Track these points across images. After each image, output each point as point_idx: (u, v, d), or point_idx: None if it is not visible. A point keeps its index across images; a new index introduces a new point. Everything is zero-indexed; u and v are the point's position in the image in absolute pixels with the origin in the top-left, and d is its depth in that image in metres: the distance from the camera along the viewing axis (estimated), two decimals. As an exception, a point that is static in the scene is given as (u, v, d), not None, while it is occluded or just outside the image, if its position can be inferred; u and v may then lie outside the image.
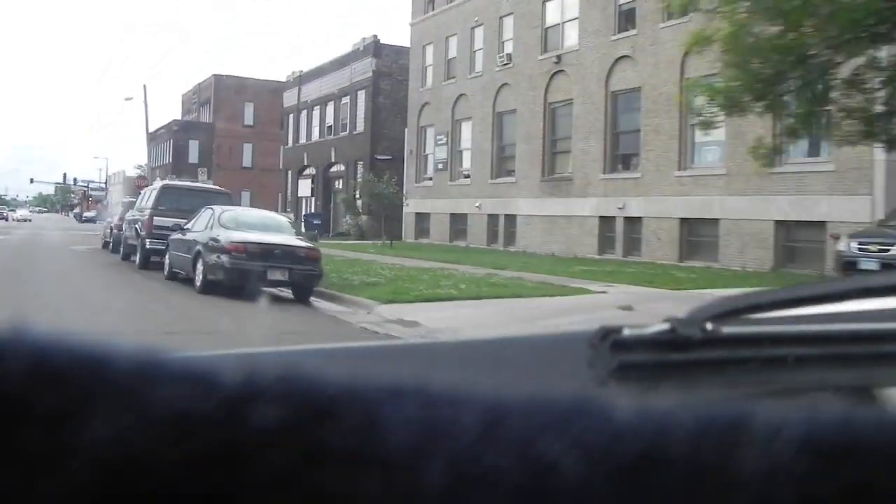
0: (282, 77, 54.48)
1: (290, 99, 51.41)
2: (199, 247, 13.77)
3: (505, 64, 30.20)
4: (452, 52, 33.91)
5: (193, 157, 70.71)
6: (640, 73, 24.19)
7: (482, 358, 1.11)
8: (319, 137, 46.39)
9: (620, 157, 25.50)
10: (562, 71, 27.50)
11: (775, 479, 0.29)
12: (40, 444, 0.28)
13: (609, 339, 0.91)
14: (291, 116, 51.39)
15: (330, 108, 45.28)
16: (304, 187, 48.63)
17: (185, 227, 15.24)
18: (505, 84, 30.30)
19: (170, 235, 16.12)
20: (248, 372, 0.30)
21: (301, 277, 13.14)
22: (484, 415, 0.30)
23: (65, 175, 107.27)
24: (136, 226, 18.98)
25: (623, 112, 25.31)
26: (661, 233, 23.19)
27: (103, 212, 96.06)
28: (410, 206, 35.31)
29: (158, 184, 19.61)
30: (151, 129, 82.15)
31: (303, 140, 49.14)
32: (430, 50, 35.70)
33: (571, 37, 27.23)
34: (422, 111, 35.89)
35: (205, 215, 14.84)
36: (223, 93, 70.06)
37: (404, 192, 35.07)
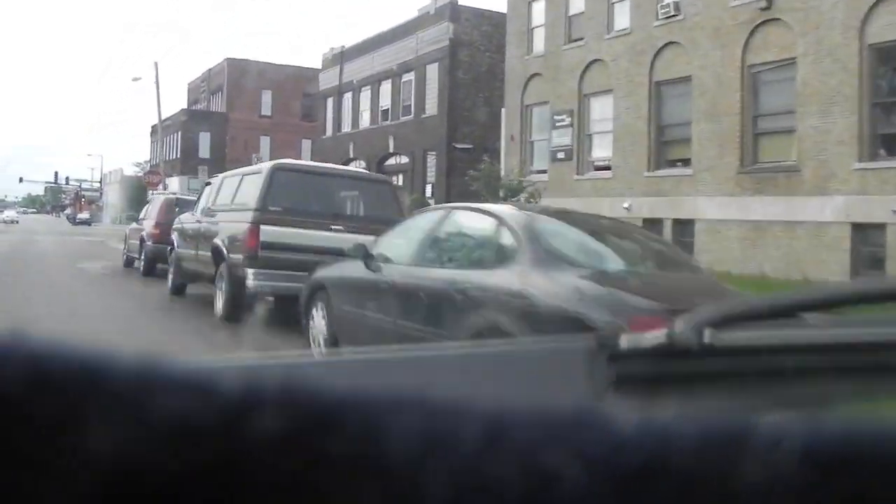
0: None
1: (328, 80, 43.30)
2: (505, 317, 4.80)
3: (670, 16, 22.25)
4: (577, 7, 25.90)
5: (204, 150, 62.66)
6: (936, 11, 16.28)
7: (481, 368, 1.11)
8: (371, 124, 38.16)
9: (887, 138, 17.56)
10: (775, 20, 19.55)
11: (776, 490, 0.29)
12: (39, 451, 0.27)
13: (607, 349, 0.92)
14: (331, 101, 43.14)
15: (386, 87, 37.16)
16: (349, 185, 40.54)
17: (382, 255, 6.63)
18: (670, 43, 22.34)
19: (316, 268, 7.70)
20: (248, 381, 0.30)
21: None
22: (484, 426, 0.30)
23: (56, 174, 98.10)
24: (219, 242, 10.21)
25: (894, 74, 17.37)
26: (984, 250, 15.28)
27: (98, 213, 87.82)
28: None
29: (263, 166, 10.34)
30: (154, 122, 73.97)
31: (346, 128, 40.91)
32: (538, 7, 27.70)
33: (792, -30, 19.28)
34: (528, 85, 27.87)
35: (479, 227, 5.89)
36: (237, 79, 61.96)
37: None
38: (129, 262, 19.05)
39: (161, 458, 0.28)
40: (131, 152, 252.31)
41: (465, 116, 32.00)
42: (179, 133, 62.43)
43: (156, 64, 41.51)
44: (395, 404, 0.30)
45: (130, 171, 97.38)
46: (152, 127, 74.19)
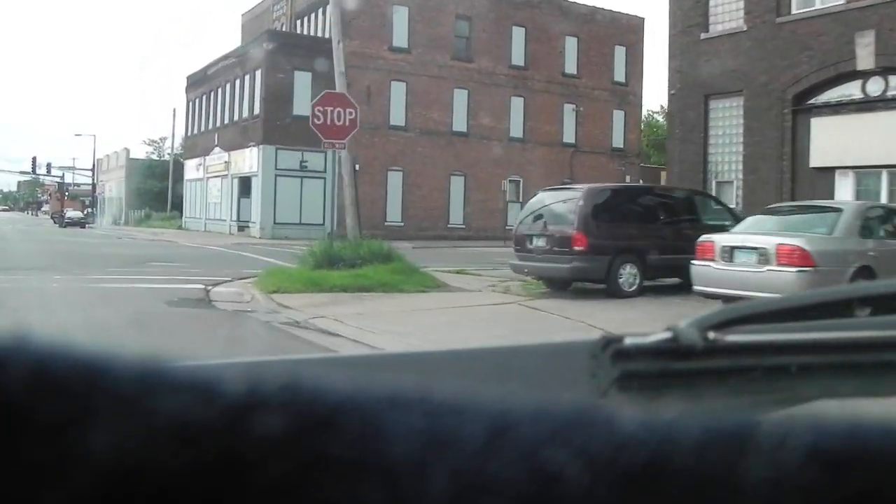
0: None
1: None
2: None
3: None
4: None
5: (302, 103, 36.77)
6: None
7: (484, 367, 1.10)
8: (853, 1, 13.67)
9: None
10: None
11: (781, 488, 0.29)
12: (42, 453, 0.27)
13: (610, 348, 0.92)
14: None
15: None
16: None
17: None
18: None
19: None
20: (250, 381, 0.30)
21: None
22: (487, 424, 0.30)
23: (34, 160, 70.58)
24: None
25: None
26: None
27: (92, 211, 62.22)
28: None
29: None
30: (195, 69, 48.59)
31: (734, 24, 16.25)
32: None
33: None
34: None
35: None
36: (354, -12, 36.78)
37: None
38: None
39: (164, 459, 0.27)
40: (137, 128, 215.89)
41: None
42: (260, 73, 37.30)
43: None
44: (397, 403, 0.30)
45: (141, 151, 71.77)
46: (188, 78, 48.88)
